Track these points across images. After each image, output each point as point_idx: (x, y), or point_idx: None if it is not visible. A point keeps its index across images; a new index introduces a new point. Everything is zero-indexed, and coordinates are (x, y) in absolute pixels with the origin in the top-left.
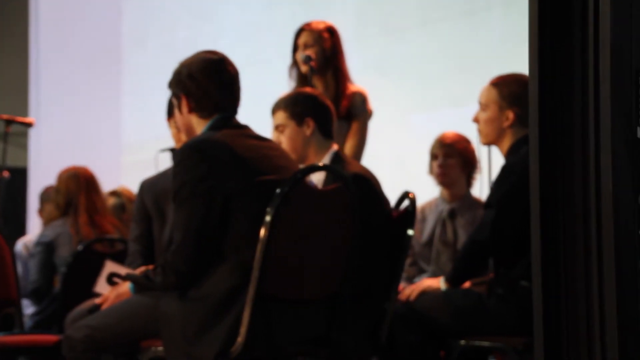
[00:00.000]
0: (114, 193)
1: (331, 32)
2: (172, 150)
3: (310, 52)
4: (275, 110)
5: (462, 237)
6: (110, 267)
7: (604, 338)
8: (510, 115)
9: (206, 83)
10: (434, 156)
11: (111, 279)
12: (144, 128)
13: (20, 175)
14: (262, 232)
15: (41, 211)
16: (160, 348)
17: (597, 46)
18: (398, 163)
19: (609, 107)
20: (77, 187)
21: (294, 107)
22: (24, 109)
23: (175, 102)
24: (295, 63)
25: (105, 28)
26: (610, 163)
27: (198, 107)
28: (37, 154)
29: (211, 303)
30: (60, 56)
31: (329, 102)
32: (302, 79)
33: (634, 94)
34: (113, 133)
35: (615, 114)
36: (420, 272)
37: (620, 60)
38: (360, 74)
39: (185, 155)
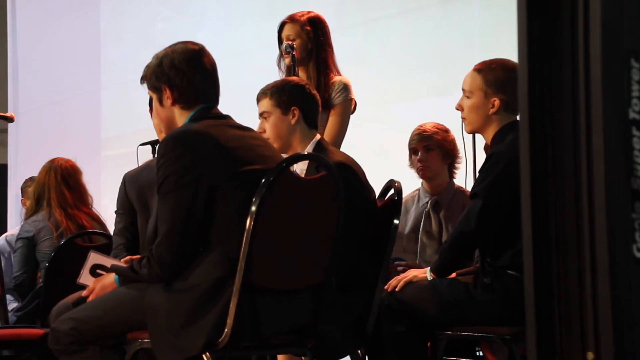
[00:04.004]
0: None
1: (314, 23)
2: (152, 143)
3: (292, 43)
4: (260, 97)
5: (447, 228)
6: (94, 258)
7: (598, 327)
8: (496, 102)
9: (191, 73)
10: (413, 150)
11: (95, 271)
12: (124, 122)
13: None
14: (248, 222)
15: (24, 201)
16: (147, 340)
17: (587, 25)
18: (379, 153)
19: (600, 89)
20: (49, 180)
21: (281, 95)
22: (2, 105)
23: (154, 95)
24: (282, 55)
25: (83, 21)
26: (602, 146)
27: (182, 98)
28: (17, 149)
29: (197, 294)
30: (39, 50)
31: (315, 92)
32: (290, 71)
33: (625, 75)
34: (93, 127)
35: (606, 96)
36: None
37: (611, 40)
38: (340, 64)
39: (170, 146)
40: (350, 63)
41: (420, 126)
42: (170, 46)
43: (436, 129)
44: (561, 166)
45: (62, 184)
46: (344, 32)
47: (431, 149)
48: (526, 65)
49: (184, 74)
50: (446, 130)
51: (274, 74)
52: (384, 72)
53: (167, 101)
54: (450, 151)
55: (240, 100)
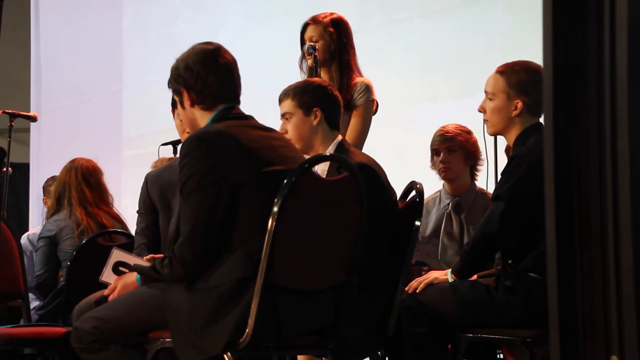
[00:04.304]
0: None
1: (337, 24)
2: (174, 143)
3: (315, 44)
4: (282, 98)
5: (468, 230)
6: (117, 255)
7: (622, 330)
8: (519, 104)
9: (205, 74)
10: (435, 151)
11: (118, 269)
12: (145, 122)
13: (21, 171)
14: (270, 222)
15: (46, 200)
16: (169, 339)
17: (613, 28)
18: (400, 155)
19: (626, 91)
20: (70, 180)
21: (303, 96)
22: (25, 105)
23: (177, 97)
24: (304, 56)
25: (105, 22)
26: (627, 148)
27: (200, 100)
28: (38, 149)
29: (219, 294)
30: (61, 50)
31: (337, 93)
32: (312, 72)
33: None
34: (114, 127)
35: (632, 98)
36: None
37: (638, 42)
38: (362, 65)
39: (192, 146)
40: (372, 64)
41: (443, 127)
42: (189, 48)
43: (459, 131)
44: (586, 169)
45: (82, 183)
46: (366, 33)
47: (453, 151)
48: (551, 67)
49: (198, 75)
50: (469, 132)
51: (296, 75)
52: (406, 74)
53: (187, 103)
54: (473, 153)
55: (262, 101)
